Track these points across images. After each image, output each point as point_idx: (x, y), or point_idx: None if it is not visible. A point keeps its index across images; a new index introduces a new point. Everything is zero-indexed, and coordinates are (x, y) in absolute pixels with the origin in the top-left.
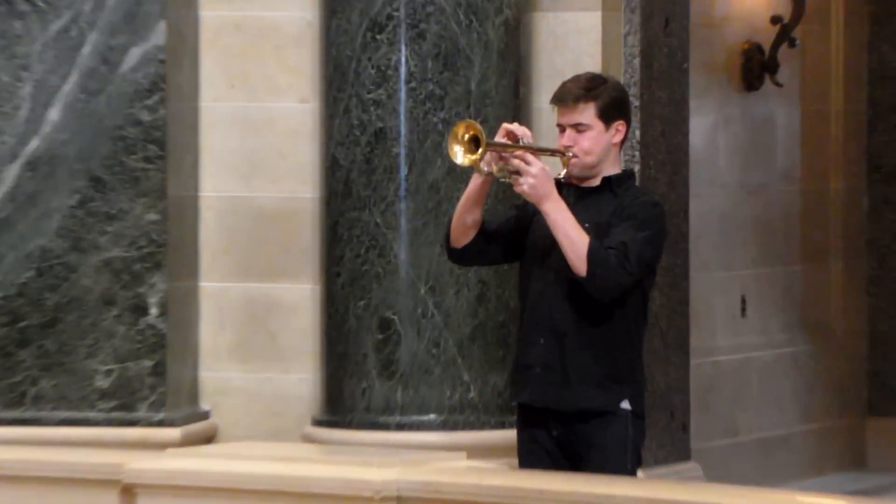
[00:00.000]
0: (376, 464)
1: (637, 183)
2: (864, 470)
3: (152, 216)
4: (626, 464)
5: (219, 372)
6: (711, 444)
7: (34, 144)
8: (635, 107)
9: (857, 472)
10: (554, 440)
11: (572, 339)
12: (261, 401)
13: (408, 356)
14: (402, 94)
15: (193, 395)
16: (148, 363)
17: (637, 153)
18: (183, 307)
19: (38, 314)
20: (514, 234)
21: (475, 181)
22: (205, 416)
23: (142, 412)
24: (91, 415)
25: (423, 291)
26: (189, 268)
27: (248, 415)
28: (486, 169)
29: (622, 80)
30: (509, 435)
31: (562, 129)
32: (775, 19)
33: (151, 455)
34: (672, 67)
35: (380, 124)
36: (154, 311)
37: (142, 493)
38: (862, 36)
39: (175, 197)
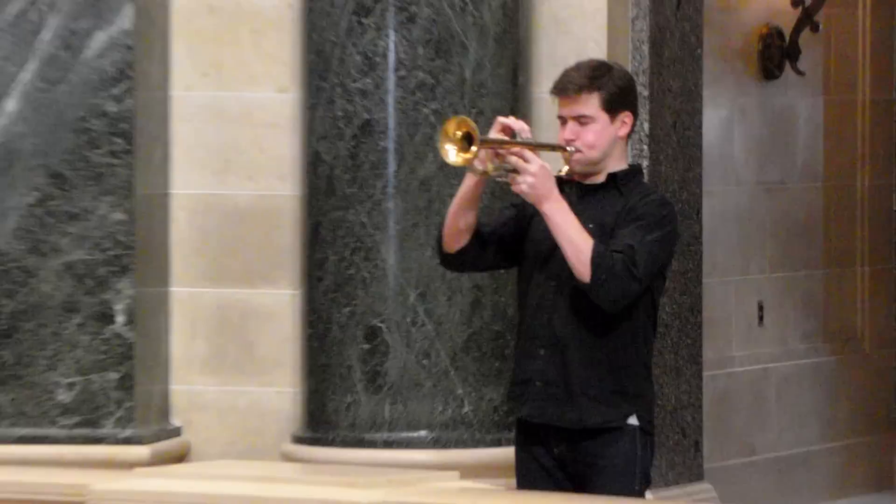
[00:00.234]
0: (362, 484)
1: (645, 179)
2: (892, 492)
3: (118, 216)
4: (633, 484)
5: (191, 385)
6: (726, 463)
7: None
8: (644, 97)
9: (883, 494)
10: (555, 459)
11: (575, 350)
12: (237, 416)
13: (396, 368)
14: (391, 84)
15: (163, 410)
16: (114, 376)
17: (646, 147)
18: (152, 315)
19: None
20: (511, 236)
21: (469, 181)
22: (176, 432)
23: (107, 429)
24: (52, 432)
25: (412, 298)
26: (158, 272)
27: (222, 431)
28: (480, 168)
29: (630, 68)
30: (506, 453)
31: (563, 121)
32: (796, 2)
33: (117, 475)
34: (684, 54)
35: (366, 116)
36: (120, 318)
37: None
38: (891, 19)
39: (143, 195)
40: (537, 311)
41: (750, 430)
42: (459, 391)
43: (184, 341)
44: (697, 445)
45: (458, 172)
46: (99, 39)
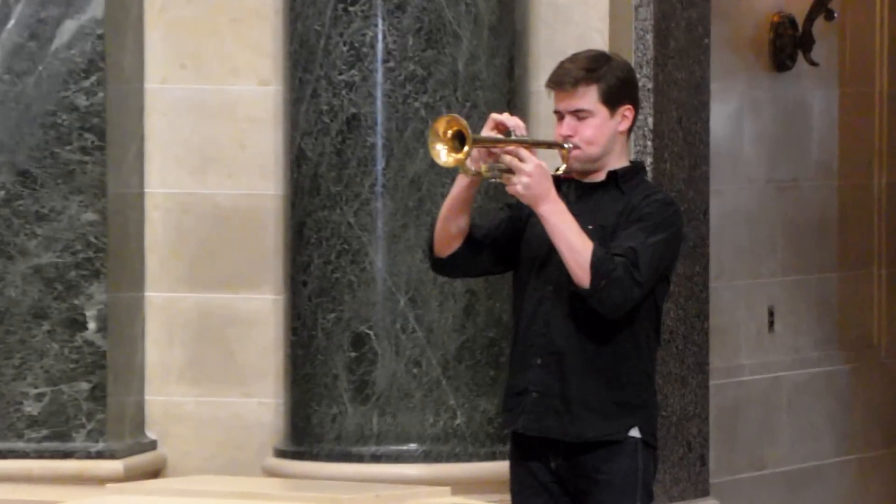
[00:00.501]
0: (348, 501)
1: (649, 177)
2: None
3: (90, 216)
4: (635, 500)
5: (167, 396)
6: (734, 477)
7: None
8: (648, 90)
9: None
10: (552, 473)
11: (573, 359)
12: (216, 429)
13: (385, 377)
14: (379, 76)
15: (138, 422)
16: (85, 386)
17: (650, 143)
18: (126, 321)
19: None
20: (506, 239)
21: (461, 182)
22: (151, 446)
23: (78, 442)
24: (19, 445)
25: (402, 303)
26: (133, 276)
27: (201, 445)
28: (473, 168)
29: (633, 59)
30: (500, 467)
31: (560, 116)
32: None
33: (89, 492)
34: (691, 44)
35: (353, 110)
36: (92, 325)
37: None
38: None
39: (116, 194)
40: (533, 317)
41: (759, 442)
42: (451, 402)
43: (160, 349)
44: (703, 459)
45: (450, 170)
46: (68, 28)
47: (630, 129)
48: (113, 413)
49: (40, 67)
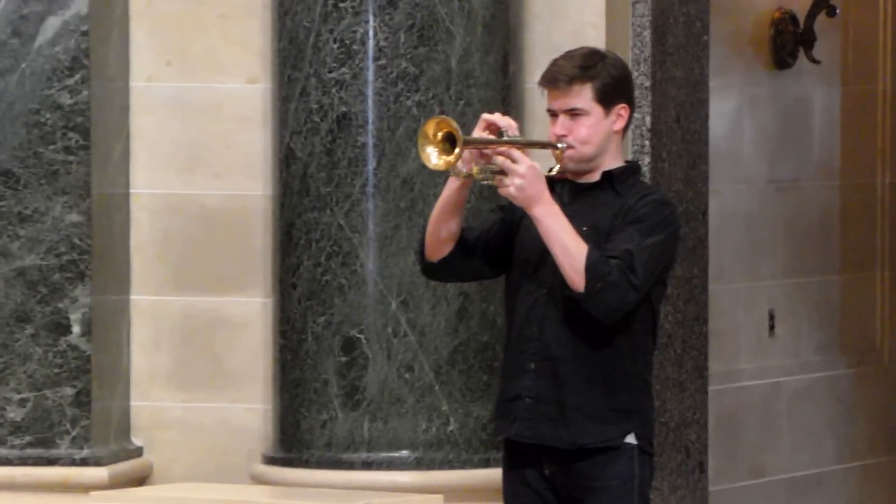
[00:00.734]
0: None
1: (648, 178)
2: None
3: (74, 217)
4: None
5: (153, 401)
6: (733, 485)
7: None
8: (646, 88)
9: None
10: (547, 481)
11: (568, 364)
12: (203, 435)
13: (376, 382)
14: (370, 74)
15: (123, 428)
16: (69, 391)
17: (648, 143)
18: (111, 325)
19: None
20: (499, 242)
21: (452, 185)
22: (137, 452)
23: (62, 449)
24: (1, 452)
25: (394, 306)
26: (118, 278)
27: (188, 451)
28: (464, 170)
29: (630, 56)
30: (495, 475)
31: (553, 115)
32: None
33: (73, 500)
34: (689, 41)
35: (343, 109)
36: (77, 329)
37: None
38: None
39: (101, 195)
40: (527, 321)
41: (759, 449)
42: (444, 407)
43: (146, 354)
44: (702, 466)
45: (442, 171)
46: (51, 25)
47: (625, 129)
48: (98, 419)
49: (23, 65)
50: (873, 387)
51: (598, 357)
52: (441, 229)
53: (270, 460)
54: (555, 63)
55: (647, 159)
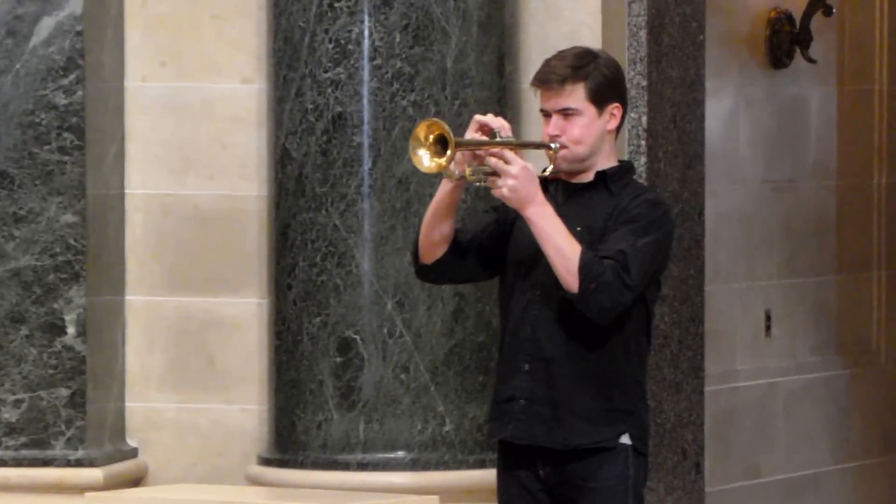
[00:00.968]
0: None
1: (644, 178)
2: None
3: (69, 218)
4: None
5: (148, 402)
6: (729, 486)
7: None
8: (642, 87)
9: None
10: (541, 482)
11: (562, 365)
12: (198, 436)
13: (372, 383)
14: (365, 74)
15: (118, 429)
16: (64, 392)
17: (643, 143)
18: (106, 326)
19: None
20: (493, 243)
21: (444, 187)
22: (132, 454)
23: (57, 450)
24: None
25: (389, 307)
26: (113, 279)
27: (182, 452)
28: (457, 172)
29: (626, 56)
30: (490, 475)
31: (546, 115)
32: None
33: (68, 501)
34: (685, 41)
35: (338, 109)
36: (71, 330)
37: None
38: None
39: (96, 195)
40: (521, 322)
41: (755, 450)
42: (440, 408)
43: (140, 355)
44: (698, 467)
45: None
46: (46, 25)
47: (619, 128)
48: (93, 420)
49: (18, 65)
50: (869, 388)
51: (592, 358)
52: (434, 232)
53: (266, 461)
54: (547, 63)
55: (643, 159)
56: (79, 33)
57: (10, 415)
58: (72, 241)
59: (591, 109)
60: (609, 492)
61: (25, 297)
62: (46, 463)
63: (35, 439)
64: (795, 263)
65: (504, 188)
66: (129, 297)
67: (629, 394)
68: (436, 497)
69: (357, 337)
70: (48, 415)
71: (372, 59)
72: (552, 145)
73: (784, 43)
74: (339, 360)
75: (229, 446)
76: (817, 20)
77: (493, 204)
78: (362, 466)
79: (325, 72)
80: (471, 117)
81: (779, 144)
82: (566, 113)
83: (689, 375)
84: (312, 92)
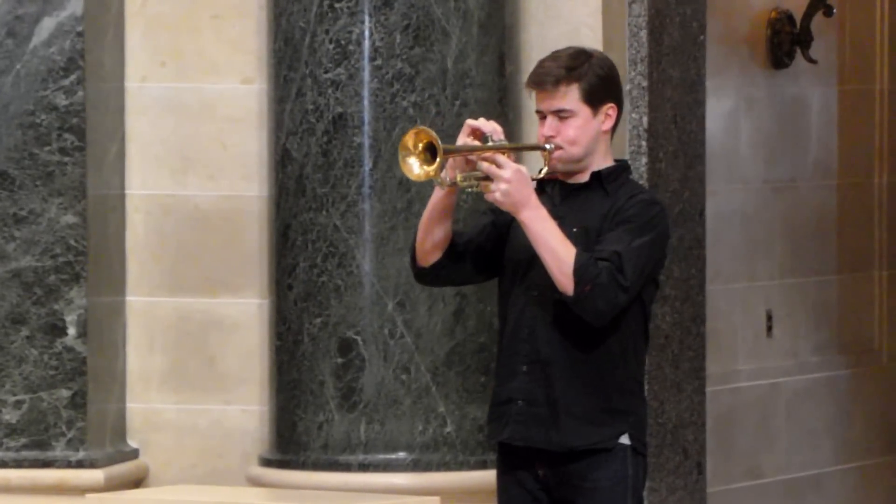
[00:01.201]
0: None
1: (645, 178)
2: None
3: (69, 219)
4: None
5: (149, 403)
6: (731, 486)
7: None
8: (642, 88)
9: None
10: (540, 483)
11: (559, 367)
12: (198, 437)
13: (372, 384)
14: (366, 74)
15: (119, 430)
16: (65, 393)
17: (644, 143)
18: (106, 327)
19: None
20: (490, 246)
21: (439, 192)
22: (132, 455)
23: (58, 451)
24: None
25: (390, 307)
26: (113, 280)
27: (183, 453)
28: (448, 179)
29: (627, 56)
30: (491, 476)
31: (541, 116)
32: None
33: (69, 501)
34: (686, 41)
35: (339, 109)
36: (72, 331)
37: None
38: None
39: (96, 196)
40: (518, 324)
41: (757, 450)
42: (441, 409)
43: (141, 355)
44: (700, 467)
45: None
46: (47, 26)
47: (614, 129)
48: (93, 421)
49: (18, 66)
50: (871, 387)
51: (589, 359)
52: (429, 237)
53: (266, 462)
54: (541, 64)
55: (643, 160)
56: (79, 34)
57: (11, 416)
58: (72, 242)
59: (585, 110)
60: (608, 492)
61: (26, 298)
62: (47, 464)
63: (36, 440)
64: (796, 263)
65: (497, 192)
66: (129, 298)
67: (627, 394)
68: (437, 498)
69: (358, 337)
70: (49, 416)
71: (372, 59)
72: (547, 146)
73: (785, 43)
74: (339, 360)
75: (230, 447)
76: (818, 20)
77: (490, 206)
78: (363, 467)
79: (326, 72)
80: (471, 117)
81: (779, 144)
82: (561, 114)
83: (691, 376)
84: (313, 92)
